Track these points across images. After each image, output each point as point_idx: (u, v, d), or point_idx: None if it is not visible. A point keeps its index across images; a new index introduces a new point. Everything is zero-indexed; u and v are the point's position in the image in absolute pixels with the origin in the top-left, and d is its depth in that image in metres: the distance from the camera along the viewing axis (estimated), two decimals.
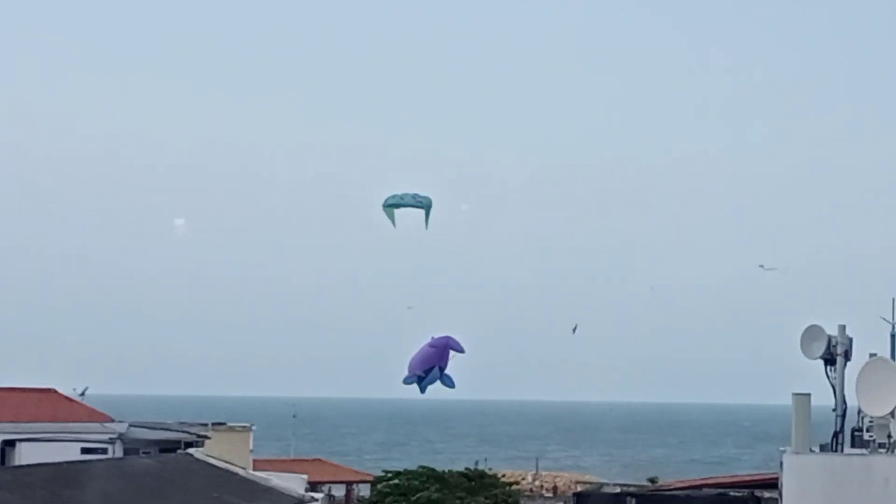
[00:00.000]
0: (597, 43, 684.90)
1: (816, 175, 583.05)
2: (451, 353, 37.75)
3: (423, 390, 38.37)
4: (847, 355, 32.98)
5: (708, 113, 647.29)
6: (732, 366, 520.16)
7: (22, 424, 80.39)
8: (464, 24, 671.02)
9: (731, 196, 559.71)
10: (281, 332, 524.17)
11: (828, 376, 33.10)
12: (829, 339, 33.00)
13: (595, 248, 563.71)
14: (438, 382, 38.19)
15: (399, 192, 37.22)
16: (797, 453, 30.70)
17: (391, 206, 36.91)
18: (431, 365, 37.42)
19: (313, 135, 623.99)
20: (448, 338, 37.51)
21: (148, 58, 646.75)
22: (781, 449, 31.73)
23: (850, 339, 33.18)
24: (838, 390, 32.81)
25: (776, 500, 34.02)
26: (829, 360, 33.04)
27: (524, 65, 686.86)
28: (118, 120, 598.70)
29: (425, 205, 36.57)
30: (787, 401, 32.18)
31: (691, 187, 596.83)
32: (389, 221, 37.05)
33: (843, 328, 33.19)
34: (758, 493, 50.01)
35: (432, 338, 37.53)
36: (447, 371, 37.67)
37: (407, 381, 38.17)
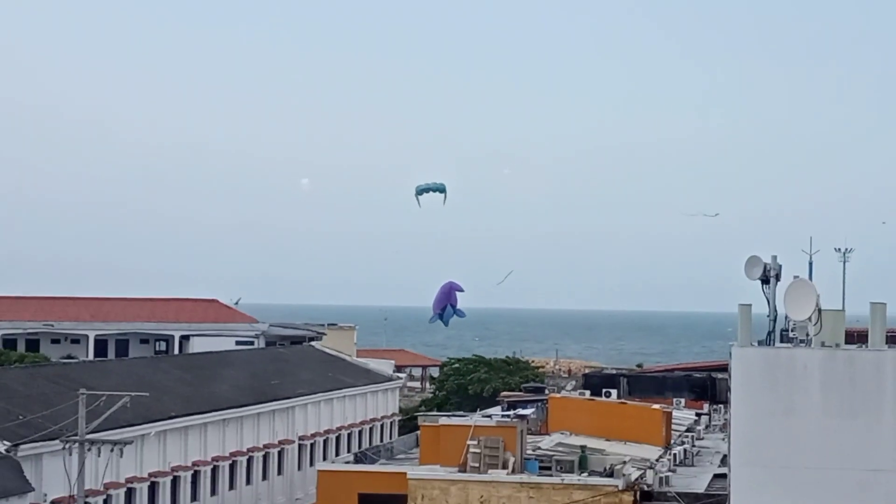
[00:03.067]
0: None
1: (769, 139, 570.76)
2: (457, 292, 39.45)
3: (446, 324, 40.13)
4: (777, 277, 32.91)
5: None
6: (701, 283, 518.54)
7: (194, 325, 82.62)
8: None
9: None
10: (377, 253, 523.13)
11: (764, 293, 33.07)
12: (765, 265, 32.89)
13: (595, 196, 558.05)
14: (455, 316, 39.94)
15: (423, 181, 39.46)
16: (742, 347, 30.77)
17: (423, 190, 39.13)
18: (444, 305, 38.88)
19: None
20: (451, 282, 39.19)
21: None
22: (730, 343, 31.79)
23: (780, 266, 33.09)
24: (771, 302, 32.81)
25: (726, 380, 34.22)
26: (765, 280, 32.97)
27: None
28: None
29: (443, 189, 38.97)
30: (735, 309, 32.22)
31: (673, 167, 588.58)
32: (416, 202, 39.24)
33: (775, 258, 33.11)
34: (714, 374, 50.22)
35: (441, 286, 39.50)
36: (458, 306, 39.32)
37: (432, 321, 39.75)
